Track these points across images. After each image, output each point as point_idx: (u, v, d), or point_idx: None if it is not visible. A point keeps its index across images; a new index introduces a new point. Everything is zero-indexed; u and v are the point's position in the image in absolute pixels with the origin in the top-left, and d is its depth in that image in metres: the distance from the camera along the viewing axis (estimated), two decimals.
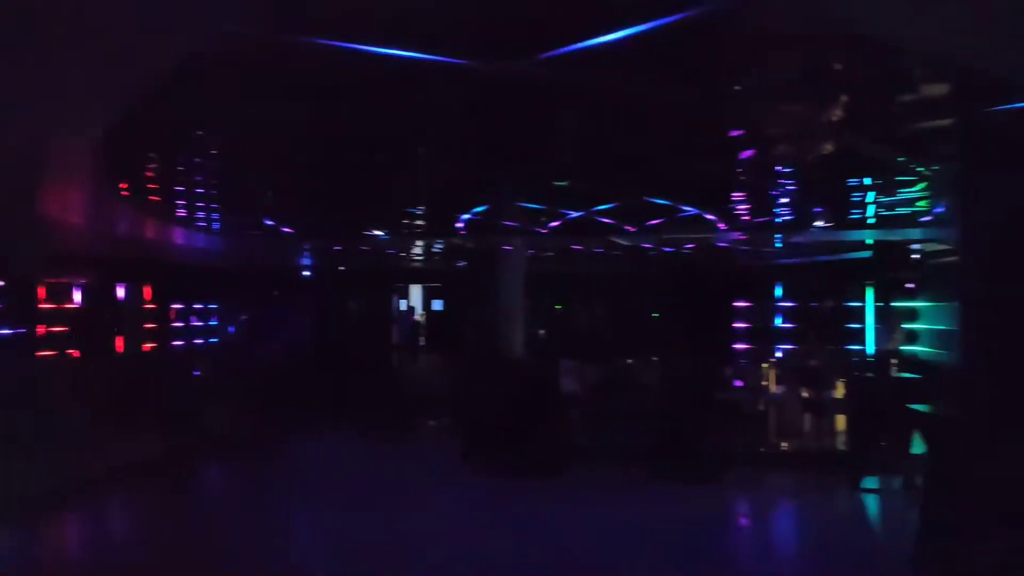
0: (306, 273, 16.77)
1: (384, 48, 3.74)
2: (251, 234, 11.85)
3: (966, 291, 5.95)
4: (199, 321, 15.76)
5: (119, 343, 12.89)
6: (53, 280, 11.65)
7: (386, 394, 14.26)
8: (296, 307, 17.57)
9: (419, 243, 12.95)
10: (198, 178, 7.90)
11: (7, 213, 7.41)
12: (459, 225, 10.11)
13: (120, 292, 13.10)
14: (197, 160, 7.19)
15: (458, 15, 3.55)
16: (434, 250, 14.04)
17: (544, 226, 10.35)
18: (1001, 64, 3.62)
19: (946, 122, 5.39)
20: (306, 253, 14.52)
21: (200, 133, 6.17)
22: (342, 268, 15.81)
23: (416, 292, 19.94)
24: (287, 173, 7.56)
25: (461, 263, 15.20)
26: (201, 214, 10.38)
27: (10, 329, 10.78)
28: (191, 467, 10.54)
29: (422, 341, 18.62)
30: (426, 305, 20.08)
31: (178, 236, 11.59)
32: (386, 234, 11.41)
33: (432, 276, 18.88)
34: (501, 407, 10.22)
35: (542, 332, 18.65)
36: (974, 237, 5.86)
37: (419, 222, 10.41)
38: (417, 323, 19.06)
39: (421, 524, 7.93)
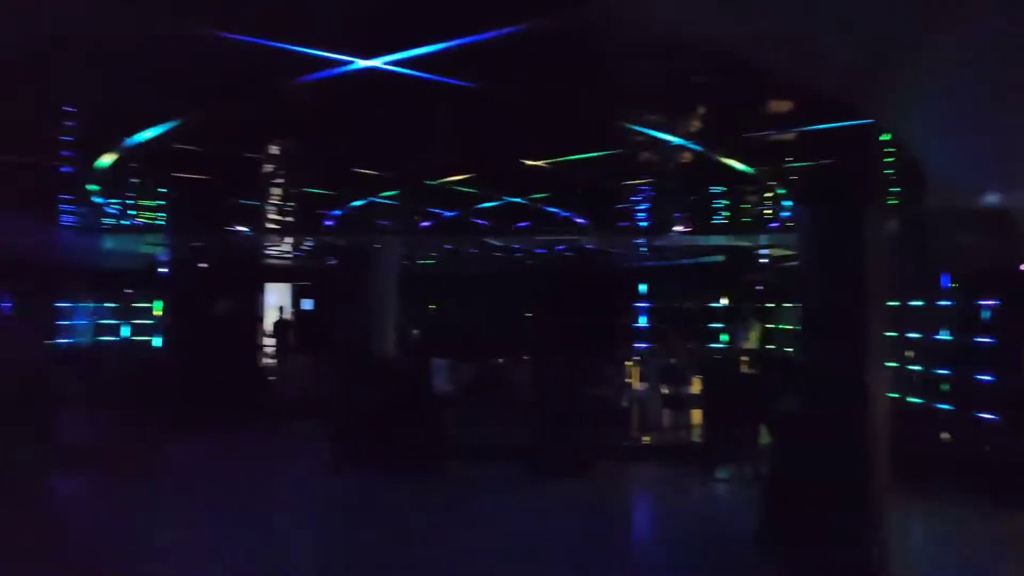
0: (163, 270, 15.80)
1: (253, 39, 3.61)
2: (106, 228, 11.04)
3: (804, 293, 6.48)
4: (57, 322, 14.67)
5: None
6: None
7: (253, 396, 13.72)
8: (154, 305, 16.58)
9: (286, 240, 12.53)
10: (49, 169, 7.28)
11: None
12: (328, 222, 9.87)
13: None
14: (45, 150, 6.62)
15: (331, 8, 3.49)
16: (304, 247, 13.63)
17: (416, 225, 10.30)
18: (835, 86, 3.97)
19: (790, 136, 5.83)
20: (164, 249, 13.71)
21: (46, 120, 5.70)
22: (203, 265, 15.02)
23: (286, 291, 19.29)
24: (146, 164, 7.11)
25: (332, 261, 14.83)
26: (55, 207, 9.57)
27: None
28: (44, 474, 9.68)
29: (292, 341, 18.02)
30: (296, 304, 19.47)
31: (29, 232, 10.67)
32: (250, 230, 10.96)
33: (302, 274, 18.32)
34: (373, 407, 10.07)
35: (416, 332, 18.54)
36: (810, 243, 6.38)
37: (286, 219, 10.08)
38: (286, 322, 18.42)
39: (291, 526, 7.72)
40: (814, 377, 6.21)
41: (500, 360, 13.45)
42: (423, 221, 9.99)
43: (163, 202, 9.65)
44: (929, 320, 10.22)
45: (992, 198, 6.29)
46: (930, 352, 10.19)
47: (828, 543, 5.92)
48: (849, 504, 5.87)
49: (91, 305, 16.61)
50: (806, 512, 6.18)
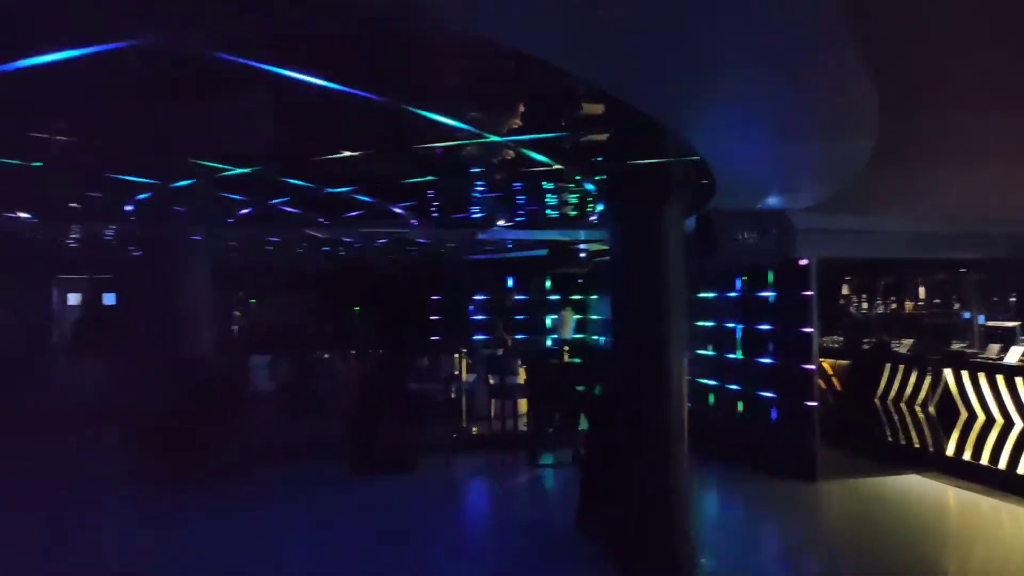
0: None
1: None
2: None
3: (613, 285, 6.88)
4: None
5: None
6: None
7: (43, 401, 12.40)
8: None
9: (80, 228, 11.38)
10: None
11: None
12: (128, 208, 9.07)
13: None
14: None
15: None
16: (105, 237, 12.45)
17: (231, 215, 9.75)
18: (632, 93, 4.24)
19: (601, 137, 6.14)
20: None
21: None
22: None
23: (82, 284, 17.56)
24: None
25: (136, 252, 13.68)
26: None
27: None
28: None
29: (89, 340, 16.43)
30: (95, 299, 17.78)
31: None
32: (34, 216, 9.85)
33: (103, 267, 16.73)
34: (178, 409, 9.41)
35: (234, 327, 17.62)
36: (617, 238, 6.78)
37: (76, 204, 9.14)
38: (83, 319, 16.77)
39: (95, 542, 7.05)
40: (622, 363, 6.61)
41: (325, 355, 13.11)
42: (237, 210, 9.47)
43: None
44: (719, 310, 11.24)
45: (772, 201, 7.00)
46: (722, 339, 11.21)
47: (637, 518, 6.34)
48: (654, 479, 6.32)
49: None
50: (617, 491, 6.58)
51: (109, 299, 17.76)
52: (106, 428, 11.58)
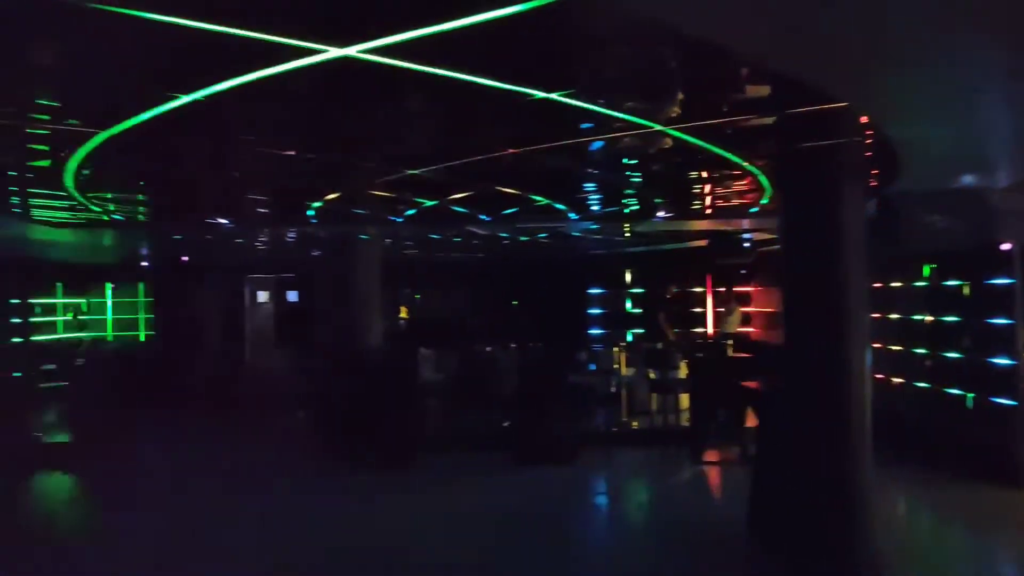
0: (144, 264, 15.70)
1: (226, 28, 3.56)
2: (86, 223, 10.93)
3: (789, 276, 6.51)
4: (42, 317, 14.60)
5: None
6: None
7: (239, 389, 13.68)
8: (134, 300, 16.48)
9: (269, 231, 12.45)
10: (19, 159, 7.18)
11: None
12: (310, 213, 9.82)
13: None
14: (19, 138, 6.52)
15: None
16: (288, 239, 13.55)
17: (399, 215, 10.26)
18: (810, 69, 3.98)
19: (768, 121, 5.85)
20: (144, 242, 13.60)
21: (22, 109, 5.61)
22: (185, 258, 14.93)
23: (270, 283, 19.20)
24: (121, 155, 7.03)
25: (316, 252, 14.77)
26: (24, 201, 9.45)
27: None
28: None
29: (276, 333, 17.98)
30: (281, 296, 19.37)
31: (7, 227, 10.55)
32: (230, 222, 10.88)
33: (286, 266, 18.23)
34: (358, 398, 10.06)
35: (401, 321, 18.53)
36: (789, 226, 6.41)
37: (267, 210, 10.01)
38: (270, 314, 18.36)
39: (277, 518, 7.69)
40: (797, 358, 6.25)
41: (487, 348, 13.47)
42: (405, 210, 9.96)
43: (143, 195, 9.57)
44: (906, 301, 10.34)
45: (966, 179, 6.34)
46: (908, 332, 10.32)
47: (815, 522, 5.99)
48: (834, 485, 5.94)
49: (75, 301, 16.50)
50: (793, 492, 6.24)
51: (292, 296, 19.32)
52: (296, 412, 12.58)
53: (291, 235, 12.86)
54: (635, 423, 11.96)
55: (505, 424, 10.81)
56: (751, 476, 7.32)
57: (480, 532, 7.33)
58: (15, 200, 9.11)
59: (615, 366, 12.90)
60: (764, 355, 9.86)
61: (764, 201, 9.41)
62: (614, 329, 15.84)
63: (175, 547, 6.85)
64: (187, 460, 10.18)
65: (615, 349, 13.19)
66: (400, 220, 10.65)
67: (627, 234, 13.22)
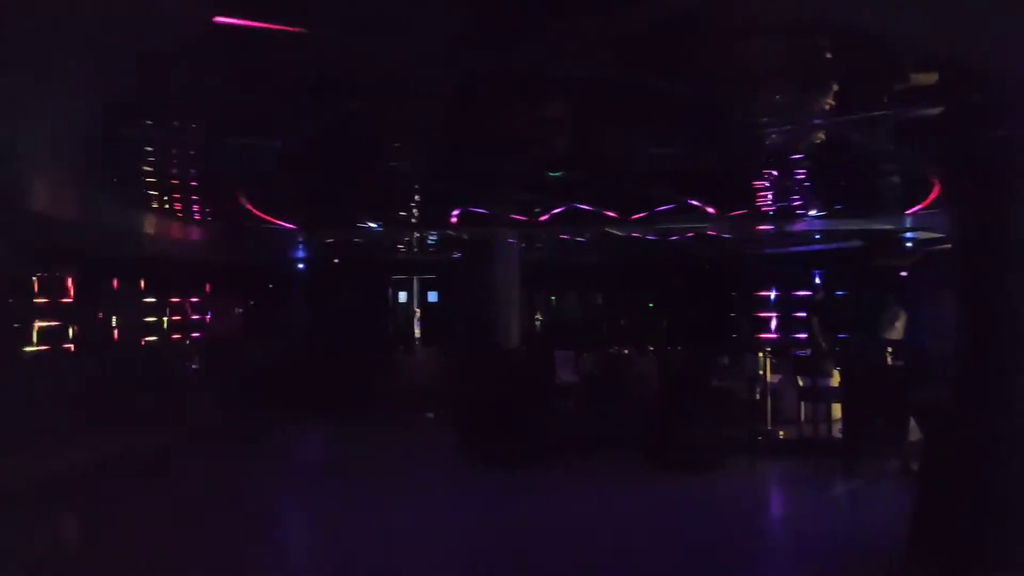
0: (300, 266, 16.74)
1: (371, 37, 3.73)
2: (244, 227, 11.82)
3: (960, 280, 5.96)
4: (196, 315, 15.80)
5: (115, 337, 12.91)
6: (45, 274, 11.63)
7: (382, 387, 14.27)
8: (290, 300, 17.58)
9: (413, 235, 12.94)
10: (190, 170, 7.88)
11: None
12: (452, 216, 10.10)
13: (114, 286, 13.10)
14: (190, 152, 7.17)
15: (440, 4, 3.56)
16: (428, 241, 14.03)
17: (538, 216, 10.35)
18: (984, 55, 3.63)
19: (935, 111, 5.40)
20: (299, 246, 14.50)
21: (192, 124, 6.15)
22: (336, 260, 15.81)
23: (411, 284, 19.95)
24: (281, 165, 7.54)
25: (456, 255, 15.19)
26: (194, 207, 10.35)
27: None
28: (180, 460, 10.46)
29: (418, 333, 18.64)
30: (421, 297, 20.09)
31: (172, 230, 11.57)
32: (379, 226, 11.40)
33: (427, 268, 18.88)
34: (496, 398, 10.23)
35: (538, 322, 18.68)
36: (966, 225, 5.87)
37: (413, 213, 10.39)
38: (412, 315, 19.07)
39: (420, 517, 7.91)
40: (972, 367, 5.73)
41: (624, 351, 13.30)
42: (544, 212, 10.03)
43: (297, 202, 10.19)
44: None
45: None
46: None
47: (992, 545, 5.47)
48: (1012, 503, 5.39)
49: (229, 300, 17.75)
50: (965, 512, 5.72)
51: (432, 297, 19.99)
52: (435, 410, 12.99)
53: (432, 237, 13.31)
54: (782, 432, 11.39)
55: (642, 429, 10.62)
56: (914, 491, 6.77)
57: (611, 539, 7.22)
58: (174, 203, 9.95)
59: (760, 372, 12.34)
60: (929, 363, 9.09)
61: (929, 198, 8.71)
62: (759, 333, 15.18)
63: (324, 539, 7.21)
64: (334, 454, 10.75)
65: (759, 354, 12.62)
66: (539, 222, 10.75)
67: (772, 234, 12.64)
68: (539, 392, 10.62)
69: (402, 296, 19.61)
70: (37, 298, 11.40)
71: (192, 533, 7.08)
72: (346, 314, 16.69)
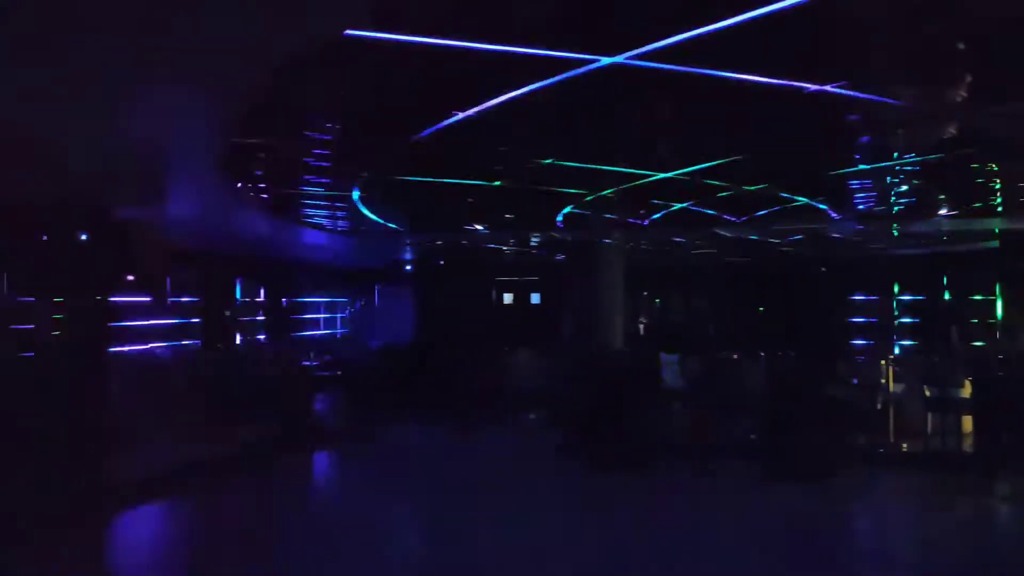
0: (408, 268, 17.20)
1: (487, 44, 3.77)
2: (357, 230, 12.24)
3: None
4: (312, 315, 16.53)
5: (235, 337, 13.69)
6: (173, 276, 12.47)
7: (488, 387, 14.42)
8: (400, 301, 18.08)
9: (518, 237, 13.02)
10: (307, 176, 8.22)
11: (133, 207, 7.88)
12: (558, 218, 10.10)
13: (237, 288, 13.88)
14: (307, 158, 7.47)
15: (557, 9, 3.55)
16: (532, 243, 14.09)
17: (644, 218, 10.20)
18: None
19: None
20: (408, 248, 14.88)
21: (309, 132, 6.41)
22: (442, 262, 16.14)
23: (516, 285, 20.11)
24: (396, 171, 7.75)
25: (559, 256, 15.19)
26: (311, 211, 10.80)
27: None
28: (298, 456, 10.89)
29: (522, 333, 18.75)
30: (525, 298, 20.21)
31: (290, 233, 12.11)
32: (486, 228, 11.53)
33: (530, 269, 18.97)
34: (600, 401, 10.14)
35: (642, 325, 18.42)
36: None
37: (519, 216, 10.45)
38: (515, 315, 19.22)
39: (528, 520, 7.89)
40: None
41: (733, 355, 12.91)
42: (652, 214, 9.87)
43: (405, 206, 10.46)
44: None
45: None
46: None
47: None
48: None
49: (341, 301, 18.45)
50: None
51: (535, 298, 20.07)
52: (536, 412, 13.02)
53: (535, 239, 13.35)
54: (905, 445, 10.72)
55: (752, 435, 10.25)
56: None
57: (716, 549, 6.98)
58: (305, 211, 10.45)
59: (881, 380, 11.67)
60: None
61: None
62: (880, 340, 14.37)
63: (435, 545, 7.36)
64: (443, 454, 10.95)
65: (882, 362, 11.93)
66: (645, 224, 10.59)
67: (895, 234, 11.94)
68: (643, 396, 10.45)
69: (506, 297, 19.79)
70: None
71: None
72: (451, 314, 17.00)
